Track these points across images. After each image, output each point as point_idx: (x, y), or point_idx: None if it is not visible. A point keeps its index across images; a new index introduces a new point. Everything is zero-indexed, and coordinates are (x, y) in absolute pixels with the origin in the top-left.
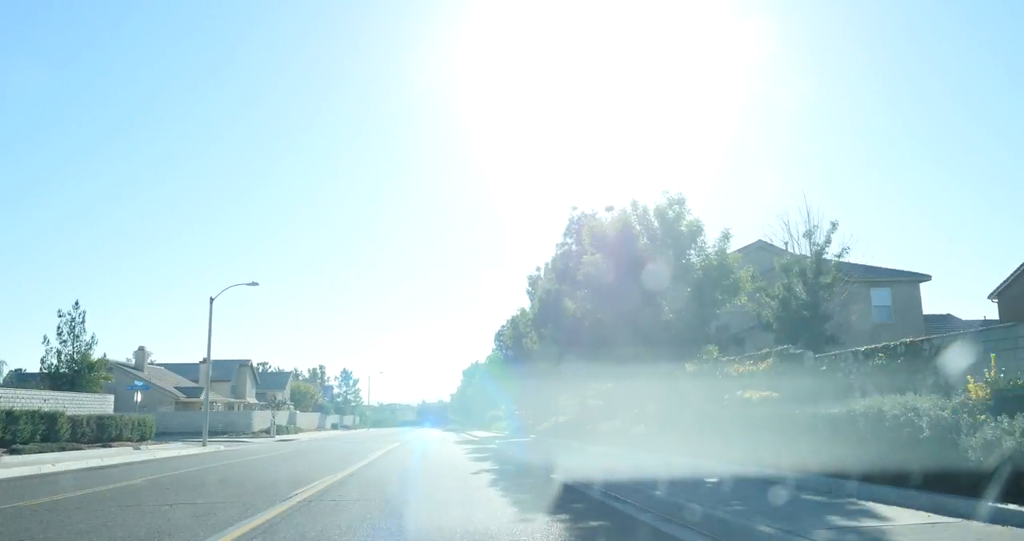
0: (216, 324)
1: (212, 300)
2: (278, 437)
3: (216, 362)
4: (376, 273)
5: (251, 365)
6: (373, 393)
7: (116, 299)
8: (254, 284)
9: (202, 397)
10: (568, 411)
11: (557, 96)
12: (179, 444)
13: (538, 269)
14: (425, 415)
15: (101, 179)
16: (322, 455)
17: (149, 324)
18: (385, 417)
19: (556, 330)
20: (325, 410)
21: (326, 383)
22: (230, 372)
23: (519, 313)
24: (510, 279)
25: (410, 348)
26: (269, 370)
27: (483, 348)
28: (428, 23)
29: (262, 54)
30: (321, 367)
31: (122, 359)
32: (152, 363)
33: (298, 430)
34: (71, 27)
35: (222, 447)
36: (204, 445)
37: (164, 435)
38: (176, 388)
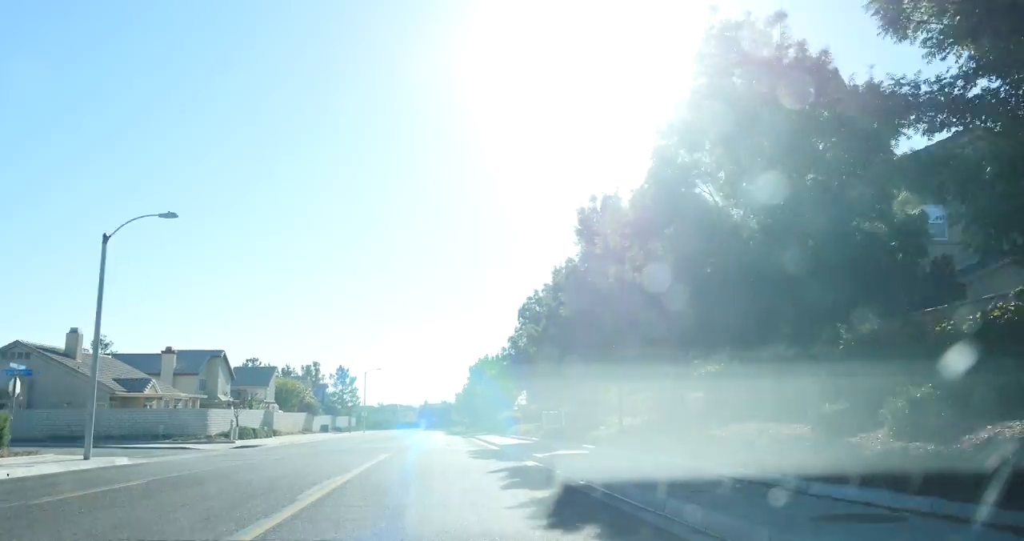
0: (194, 313)
1: (106, 238)
2: (239, 443)
3: (183, 353)
4: (378, 272)
5: (224, 357)
6: (374, 394)
7: (113, 294)
8: (171, 215)
9: (146, 390)
10: (637, 410)
11: (560, 93)
12: (52, 456)
13: (593, 199)
14: (427, 417)
15: (103, 177)
16: (251, 477)
17: (149, 320)
18: (385, 418)
19: (688, 233)
20: (313, 410)
21: (320, 382)
22: (198, 364)
23: (569, 263)
24: (516, 280)
25: (412, 349)
26: (259, 365)
27: (490, 347)
28: (433, 21)
29: (266, 53)
30: (315, 364)
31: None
32: (114, 353)
33: (274, 433)
34: (71, 29)
35: (122, 461)
36: (86, 458)
37: (78, 440)
38: (115, 380)
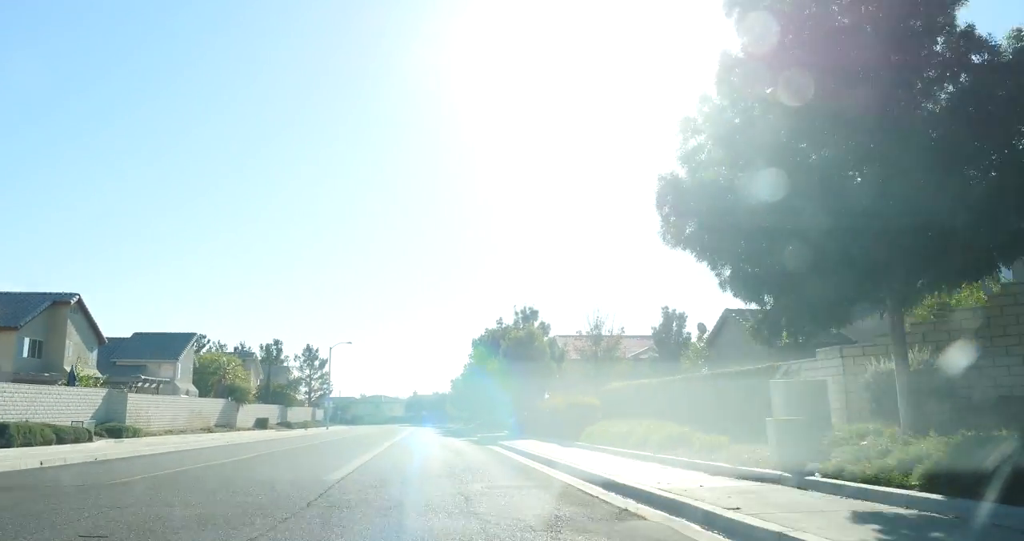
0: (166, 294)
1: None
2: None
3: (4, 297)
4: (367, 264)
5: (80, 305)
6: (356, 385)
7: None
8: None
9: None
10: None
11: (550, 89)
12: None
13: None
14: (416, 410)
15: (92, 158)
16: None
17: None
18: (368, 412)
19: None
20: (241, 395)
21: (282, 363)
22: (20, 313)
23: None
24: (507, 273)
25: (400, 338)
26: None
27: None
28: (421, 14)
29: (254, 43)
30: (277, 342)
31: None
32: None
33: (128, 432)
34: (52, 12)
35: None
36: None
37: None
38: None
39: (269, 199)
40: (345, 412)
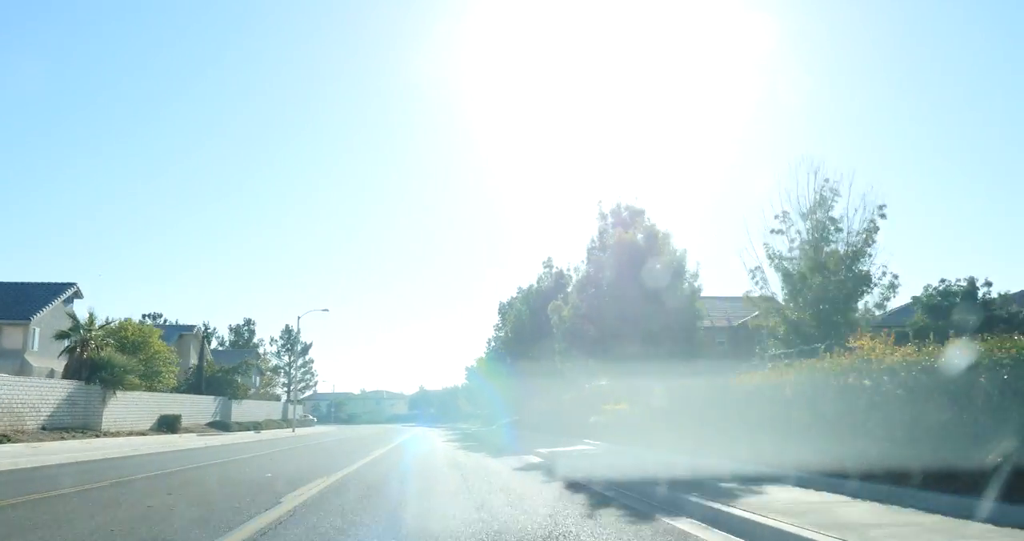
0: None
1: None
2: None
3: None
4: (372, 266)
5: None
6: (358, 382)
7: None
8: None
9: None
10: None
11: (558, 89)
12: None
13: None
14: (422, 407)
15: (98, 168)
16: None
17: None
18: (366, 410)
19: None
20: (111, 376)
21: (255, 348)
22: None
23: None
24: (511, 273)
25: (406, 335)
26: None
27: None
28: (432, 15)
29: (261, 45)
30: (248, 322)
31: None
32: None
33: None
34: (62, 24)
35: None
36: None
37: None
38: None
39: (277, 188)
40: (340, 410)
